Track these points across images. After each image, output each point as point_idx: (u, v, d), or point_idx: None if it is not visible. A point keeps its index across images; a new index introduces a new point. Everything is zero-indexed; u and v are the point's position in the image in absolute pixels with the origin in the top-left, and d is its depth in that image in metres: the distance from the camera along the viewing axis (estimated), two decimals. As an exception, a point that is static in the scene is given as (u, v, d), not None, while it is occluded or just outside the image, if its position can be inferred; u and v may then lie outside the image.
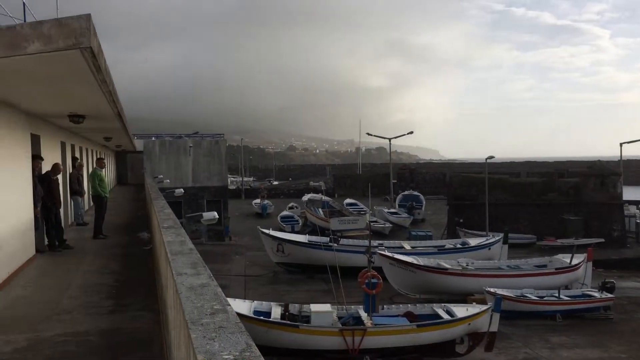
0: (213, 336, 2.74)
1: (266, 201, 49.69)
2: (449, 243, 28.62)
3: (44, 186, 10.99)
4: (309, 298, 20.17)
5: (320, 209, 40.97)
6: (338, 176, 75.50)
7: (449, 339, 15.02)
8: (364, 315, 15.31)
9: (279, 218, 41.41)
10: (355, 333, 14.10)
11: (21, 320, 6.42)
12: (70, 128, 15.18)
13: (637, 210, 41.51)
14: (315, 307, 15.37)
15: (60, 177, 12.51)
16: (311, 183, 74.67)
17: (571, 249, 23.46)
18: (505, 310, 16.75)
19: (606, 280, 21.37)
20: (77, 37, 5.01)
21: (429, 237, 32.70)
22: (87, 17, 5.06)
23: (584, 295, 20.25)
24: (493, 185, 35.35)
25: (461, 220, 36.29)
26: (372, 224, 37.18)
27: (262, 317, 14.72)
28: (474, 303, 17.15)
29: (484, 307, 15.53)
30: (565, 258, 23.12)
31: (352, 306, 16.25)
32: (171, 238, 6.25)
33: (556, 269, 22.29)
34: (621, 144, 43.47)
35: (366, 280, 15.25)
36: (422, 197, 49.18)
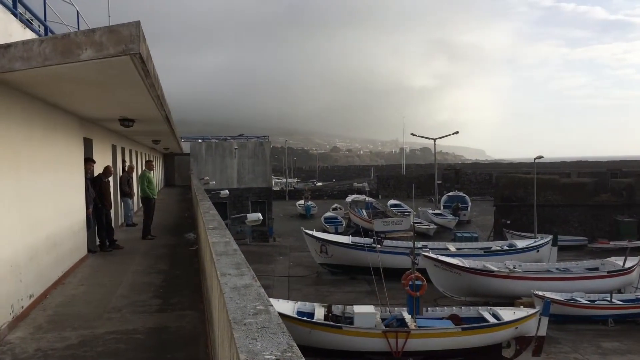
0: (255, 336, 2.77)
1: (310, 202, 49.87)
2: (495, 245, 28.07)
3: (95, 188, 11.40)
4: (352, 299, 20.18)
5: (363, 210, 40.89)
6: (382, 177, 75.05)
7: (495, 342, 14.75)
8: (407, 317, 15.21)
9: (322, 219, 41.55)
10: (399, 335, 14.02)
11: (74, 317, 6.69)
12: (120, 131, 15.67)
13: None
14: (358, 309, 15.36)
15: (111, 179, 12.93)
16: (355, 184, 74.62)
17: (624, 252, 22.65)
18: (554, 314, 16.34)
19: (662, 284, 20.52)
20: (127, 44, 5.17)
21: (475, 239, 32.16)
22: (137, 24, 5.23)
23: (638, 300, 19.50)
24: (542, 186, 34.47)
25: (508, 222, 35.54)
26: (416, 225, 36.93)
27: (305, 318, 14.82)
28: (522, 306, 16.76)
29: (532, 311, 15.17)
30: (618, 261, 22.35)
31: (396, 308, 16.16)
32: (216, 239, 6.36)
33: (608, 272, 21.55)
34: (679, 142, 41.54)
35: (410, 282, 15.16)
36: (467, 198, 48.42)
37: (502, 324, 14.74)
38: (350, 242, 26.52)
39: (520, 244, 27.12)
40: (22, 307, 6.69)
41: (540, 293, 18.58)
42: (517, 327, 14.71)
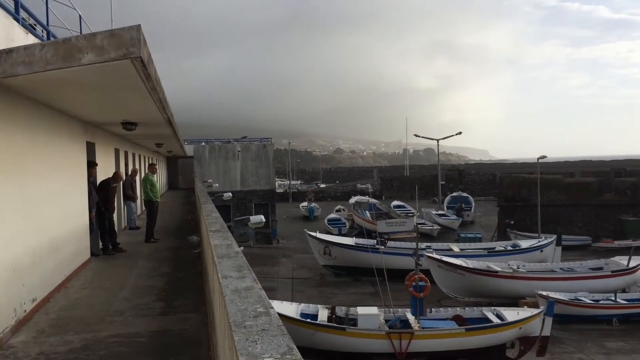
0: (255, 339, 2.78)
1: (313, 204, 49.88)
2: (499, 245, 28.03)
3: (102, 192, 11.45)
4: (356, 301, 20.17)
5: (367, 212, 40.87)
6: (385, 178, 74.99)
7: (499, 343, 14.73)
8: (411, 318, 15.20)
9: (326, 221, 41.56)
10: (403, 336, 14.02)
11: (77, 321, 6.71)
12: (123, 135, 15.73)
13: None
14: (362, 310, 15.36)
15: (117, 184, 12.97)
16: (358, 185, 74.60)
17: (629, 251, 22.58)
18: (558, 314, 16.30)
19: (667, 283, 20.46)
20: (128, 48, 5.20)
21: (479, 239, 32.13)
22: (137, 28, 5.25)
23: (643, 299, 19.45)
24: (545, 186, 34.40)
25: (512, 222, 35.49)
26: (419, 226, 36.99)
27: (309, 320, 14.83)
28: (525, 307, 16.73)
29: (536, 311, 15.14)
30: (622, 260, 22.28)
31: (400, 309, 16.16)
32: (218, 241, 6.38)
33: (613, 271, 21.50)
34: (683, 141, 41.44)
35: (414, 283, 15.15)
36: (471, 198, 48.37)
37: (506, 325, 14.71)
38: (353, 244, 26.52)
39: (524, 244, 27.07)
40: (25, 311, 6.72)
41: (544, 293, 18.55)
42: (521, 328, 14.68)
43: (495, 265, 22.29)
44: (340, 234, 35.76)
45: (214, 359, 5.22)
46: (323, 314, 15.55)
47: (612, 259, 23.41)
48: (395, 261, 23.24)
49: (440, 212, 43.64)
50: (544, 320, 14.64)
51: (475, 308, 16.47)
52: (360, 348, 14.27)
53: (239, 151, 36.26)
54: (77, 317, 6.91)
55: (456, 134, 53.95)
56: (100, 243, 11.79)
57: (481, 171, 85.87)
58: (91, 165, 11.16)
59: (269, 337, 2.77)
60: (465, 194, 49.68)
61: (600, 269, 22.47)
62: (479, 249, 27.12)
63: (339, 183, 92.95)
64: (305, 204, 51.36)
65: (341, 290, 23.39)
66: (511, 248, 26.76)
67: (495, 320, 15.14)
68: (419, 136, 58.43)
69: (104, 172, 12.52)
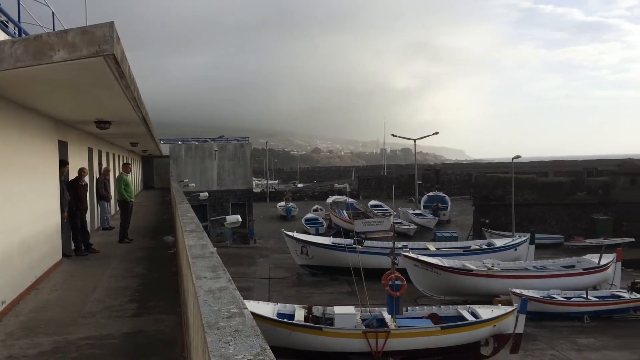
0: (228, 340, 2.76)
1: (291, 204, 49.83)
2: (474, 244, 28.35)
3: (72, 191, 11.24)
4: (333, 300, 20.21)
5: (344, 211, 40.96)
6: (363, 178, 75.22)
7: (473, 340, 14.89)
8: (387, 317, 15.28)
9: (303, 220, 41.55)
10: (379, 335, 14.08)
11: (47, 323, 6.59)
12: (97, 134, 15.49)
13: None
14: (338, 310, 15.39)
15: (87, 180, 12.76)
16: (336, 185, 74.75)
17: (600, 249, 23.05)
18: (532, 312, 16.55)
19: (636, 280, 20.95)
20: (101, 45, 5.12)
21: (455, 238, 32.45)
22: (110, 25, 5.18)
23: (613, 296, 19.87)
24: (520, 185, 34.91)
25: (487, 221, 35.93)
26: (396, 225, 37.19)
27: (285, 320, 14.79)
28: (500, 304, 16.96)
29: (510, 309, 15.36)
30: (593, 258, 22.73)
31: (376, 308, 16.22)
32: (193, 242, 6.33)
33: (584, 269, 21.92)
34: (652, 142, 42.46)
35: (390, 282, 15.23)
36: (447, 198, 48.81)
37: (480, 322, 14.88)
38: (330, 243, 26.56)
39: (499, 242, 27.42)
40: (-6, 313, 6.58)
41: (517, 291, 18.82)
42: (495, 325, 14.87)
43: (470, 263, 22.54)
44: (317, 234, 35.78)
45: (188, 360, 5.18)
46: (300, 314, 15.54)
47: (583, 257, 23.85)
48: (372, 260, 23.32)
49: (417, 211, 43.96)
50: (517, 317, 14.85)
51: (450, 306, 16.63)
52: (337, 347, 14.30)
53: (215, 151, 36.02)
54: (48, 319, 6.79)
55: (433, 134, 54.47)
56: (73, 244, 11.59)
57: (457, 171, 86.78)
58: (63, 164, 10.96)
59: (242, 338, 2.76)
60: (441, 194, 50.10)
61: (572, 267, 22.88)
62: (454, 247, 27.40)
63: (317, 183, 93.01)
64: (282, 203, 51.26)
65: (318, 290, 23.41)
66: (486, 247, 27.09)
67: (470, 318, 15.30)
68: (396, 136, 58.84)
69: (76, 171, 12.31)
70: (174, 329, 6.40)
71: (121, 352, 5.62)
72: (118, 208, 16.03)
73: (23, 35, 8.97)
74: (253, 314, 14.43)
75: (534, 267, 23.32)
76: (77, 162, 12.89)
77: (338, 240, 26.68)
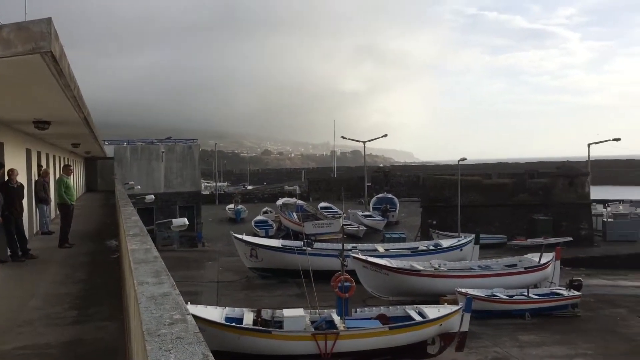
0: (169, 347, 2.70)
1: (240, 206, 49.46)
2: (422, 245, 28.86)
3: (2, 194, 10.72)
4: (282, 303, 20.13)
5: (294, 213, 40.92)
6: (313, 180, 75.43)
7: (421, 340, 15.13)
8: (336, 318, 15.34)
9: (252, 223, 41.27)
10: (328, 337, 14.11)
11: (-20, 333, 6.28)
12: (36, 135, 14.90)
13: (604, 210, 42.52)
14: (287, 312, 15.33)
15: (25, 185, 12.25)
16: (286, 187, 74.69)
17: (540, 248, 23.89)
18: (476, 310, 16.96)
19: (574, 278, 21.80)
20: (37, 42, 4.93)
21: (403, 239, 32.95)
22: (48, 21, 4.99)
23: (552, 294, 20.64)
24: (465, 187, 35.79)
25: (434, 222, 36.65)
26: (346, 227, 37.46)
27: (234, 324, 14.62)
28: (446, 304, 17.32)
29: (455, 308, 15.70)
30: (534, 257, 23.52)
31: (325, 310, 16.25)
32: (136, 246, 6.18)
33: (525, 268, 22.67)
34: (589, 145, 44.48)
35: (339, 284, 15.30)
36: (396, 199, 49.51)
37: (427, 322, 15.15)
38: (280, 246, 26.47)
39: (445, 243, 28.01)
40: None
41: (463, 290, 19.26)
42: (441, 324, 15.17)
43: (418, 264, 22.92)
44: (267, 236, 35.58)
45: (130, 368, 5.03)
46: (248, 318, 15.39)
47: (525, 256, 24.66)
48: (321, 262, 23.38)
49: (367, 213, 44.41)
50: (462, 316, 15.20)
51: (398, 307, 16.85)
52: (286, 350, 14.24)
53: (162, 152, 35.29)
54: (-20, 330, 6.46)
55: (382, 137, 55.29)
56: (8, 249, 11.07)
57: (406, 173, 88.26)
58: (-2, 166, 10.47)
59: (184, 345, 2.71)
60: (390, 195, 50.78)
61: (515, 266, 23.62)
62: (402, 249, 27.82)
63: (267, 185, 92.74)
64: (231, 206, 50.78)
65: (267, 293, 23.29)
66: (433, 247, 27.64)
67: (418, 318, 15.55)
68: (346, 138, 59.36)
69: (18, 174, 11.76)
70: (116, 336, 6.21)
71: (59, 362, 5.41)
72: (58, 212, 15.43)
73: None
74: (201, 318, 14.17)
75: (479, 266, 23.95)
76: (14, 164, 12.33)
77: (288, 243, 26.62)
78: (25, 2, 14.70)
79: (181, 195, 35.60)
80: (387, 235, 34.47)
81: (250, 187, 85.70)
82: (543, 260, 22.80)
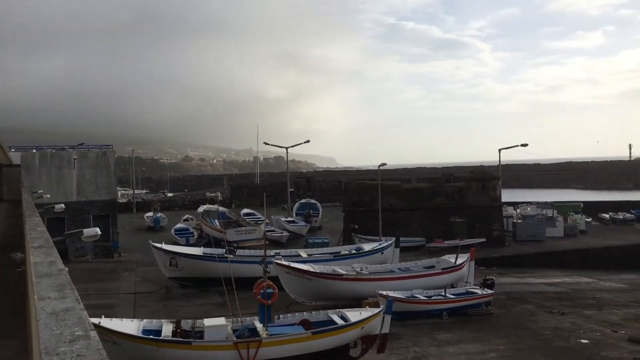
0: (69, 366, 2.54)
1: (159, 214, 48.21)
2: (344, 249, 29.21)
3: None
4: (203, 312, 19.69)
5: (216, 220, 40.23)
6: (235, 186, 74.66)
7: (343, 343, 15.27)
8: (259, 326, 15.18)
9: (172, 231, 40.21)
10: (250, 345, 13.92)
11: None
12: None
13: (514, 212, 44.98)
14: (208, 322, 15.00)
15: None
16: (207, 194, 73.55)
17: (456, 250, 24.84)
18: (397, 312, 17.37)
19: (487, 277, 22.85)
20: None
21: (326, 244, 33.19)
22: None
23: (467, 293, 21.51)
24: (386, 192, 36.64)
25: (356, 226, 37.22)
26: (269, 233, 37.26)
27: (151, 336, 14.11)
28: (367, 307, 17.59)
29: (376, 310, 15.97)
30: (450, 258, 24.42)
31: (248, 318, 16.05)
32: (40, 259, 5.82)
33: (443, 269, 23.49)
34: (500, 150, 46.89)
35: (262, 291, 15.16)
36: (318, 204, 49.86)
37: (349, 325, 15.31)
38: (201, 254, 25.91)
39: (367, 247, 28.52)
40: None
41: (384, 293, 19.66)
42: (363, 327, 15.37)
43: (340, 268, 23.17)
44: (188, 244, 34.78)
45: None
46: (167, 329, 14.91)
47: (442, 257, 25.57)
48: (244, 269, 23.09)
49: (290, 218, 44.42)
50: (383, 318, 15.48)
51: (321, 311, 16.93)
52: (207, 361, 13.90)
53: (75, 159, 33.62)
54: None
55: (304, 142, 55.68)
56: None
57: (328, 178, 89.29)
58: None
59: (85, 364, 2.56)
60: (313, 201, 51.11)
61: (433, 267, 24.42)
62: (325, 253, 28.03)
63: (188, 192, 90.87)
64: (150, 214, 49.32)
65: (188, 303, 22.70)
66: (355, 251, 28.05)
67: (340, 321, 15.68)
68: (268, 144, 59.22)
69: None
70: (17, 356, 5.77)
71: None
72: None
73: None
74: (116, 332, 13.52)
75: (399, 269, 24.55)
76: None
77: (209, 250, 26.11)
78: None
79: (95, 204, 34.08)
80: (310, 241, 34.63)
81: (170, 195, 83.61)
82: (459, 261, 23.72)
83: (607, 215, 49.89)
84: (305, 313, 16.91)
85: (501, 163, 47.12)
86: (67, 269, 5.29)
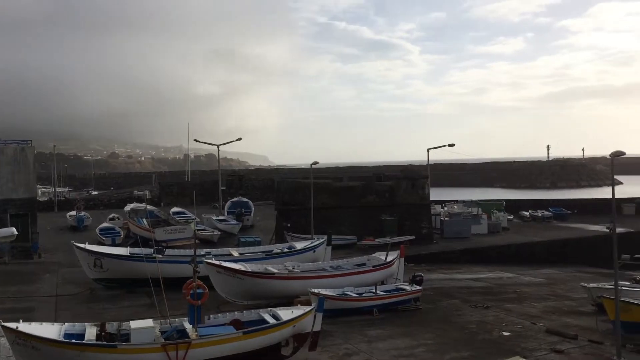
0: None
1: (83, 213, 46.42)
2: (276, 248, 29.08)
3: None
4: (130, 315, 19.04)
5: (144, 219, 39.07)
6: (165, 184, 72.86)
7: (275, 342, 15.13)
8: (188, 327, 14.80)
9: (97, 230, 38.73)
10: (179, 347, 13.53)
11: None
12: None
13: (442, 210, 46.47)
14: (135, 324, 14.45)
15: None
16: (135, 192, 71.49)
17: (387, 247, 25.30)
18: (329, 309, 17.45)
19: (416, 274, 23.41)
20: None
21: (258, 243, 32.96)
22: None
23: (397, 289, 21.94)
24: (318, 190, 36.80)
25: (289, 225, 37.20)
26: (199, 232, 36.59)
27: (74, 340, 13.44)
28: (299, 305, 17.55)
29: (308, 308, 15.95)
30: (381, 256, 24.81)
31: (177, 319, 15.62)
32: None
33: (373, 266, 23.82)
34: (428, 150, 48.32)
35: (191, 291, 14.79)
36: (251, 203, 49.58)
37: (280, 324, 15.18)
38: (128, 254, 25.03)
39: (299, 245, 28.48)
40: None
41: (316, 291, 19.71)
42: (294, 326, 15.28)
43: (272, 267, 23.02)
44: (114, 244, 33.56)
45: None
46: (91, 332, 14.23)
47: (373, 255, 25.92)
48: (173, 269, 22.55)
49: (221, 217, 43.87)
50: (315, 316, 15.49)
51: (252, 311, 16.73)
52: (134, 364, 13.39)
53: (-11, 155, 31.61)
54: None
55: (236, 140, 55.10)
56: None
57: (261, 176, 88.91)
58: None
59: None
60: (245, 199, 50.75)
61: (364, 264, 24.71)
62: (257, 252, 27.77)
63: (114, 190, 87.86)
64: (73, 213, 47.36)
65: (113, 305, 21.85)
66: (287, 250, 27.96)
67: (272, 320, 15.54)
68: (199, 141, 58.13)
69: None
70: None
71: None
72: None
73: None
74: (35, 337, 12.82)
75: (331, 267, 24.67)
76: None
77: (136, 251, 25.27)
78: None
79: (13, 202, 32.23)
80: (242, 239, 34.32)
81: (95, 193, 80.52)
82: (389, 258, 24.13)
83: (527, 213, 52.57)
84: (236, 313, 16.65)
85: (430, 162, 48.59)
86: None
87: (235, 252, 27.20)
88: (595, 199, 64.27)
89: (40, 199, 60.45)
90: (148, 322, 14.69)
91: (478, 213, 44.27)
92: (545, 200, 60.50)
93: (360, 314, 19.93)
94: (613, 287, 16.09)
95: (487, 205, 48.12)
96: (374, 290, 21.33)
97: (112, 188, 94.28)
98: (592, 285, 22.62)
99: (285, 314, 15.72)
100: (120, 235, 37.88)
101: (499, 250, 37.19)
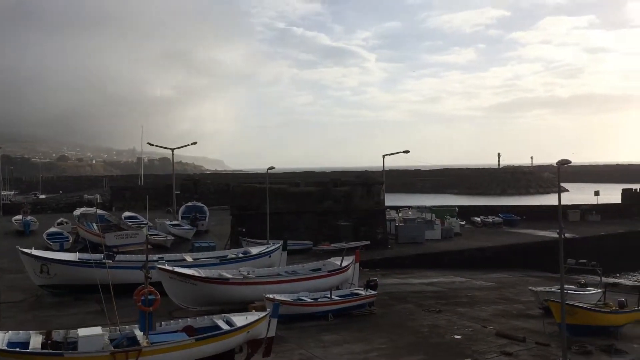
0: None
1: (29, 217, 44.81)
2: (231, 253, 28.77)
3: None
4: (78, 322, 18.44)
5: (94, 224, 38.02)
6: (116, 188, 71.17)
7: (228, 349, 14.93)
8: (139, 334, 14.43)
9: (45, 235, 37.41)
10: (129, 355, 13.17)
11: None
12: None
13: (397, 215, 47.10)
14: (83, 332, 14.02)
15: None
16: (85, 196, 69.63)
17: (342, 252, 25.42)
18: (284, 315, 17.36)
19: (370, 278, 23.61)
20: None
21: (212, 248, 32.58)
22: None
23: (352, 294, 22.05)
24: (274, 195, 36.69)
25: (244, 230, 36.91)
26: (152, 237, 35.84)
27: (17, 349, 12.91)
28: (254, 311, 17.40)
29: (263, 314, 15.83)
30: (336, 261, 24.90)
31: (127, 326, 15.21)
32: None
33: (329, 271, 23.88)
34: (384, 156, 48.88)
35: (142, 297, 14.45)
36: (205, 208, 48.93)
37: (234, 330, 14.99)
38: (76, 259, 24.26)
39: (254, 250, 28.28)
40: None
41: (270, 296, 19.59)
42: (249, 332, 15.12)
43: (226, 272, 22.76)
44: (62, 250, 32.52)
45: None
46: (36, 340, 13.69)
47: (328, 260, 25.97)
48: (124, 275, 21.96)
49: (175, 222, 43.14)
50: (270, 322, 15.38)
51: (206, 317, 16.46)
52: (81, 373, 12.95)
53: None
54: None
55: (191, 144, 54.31)
56: None
57: (216, 181, 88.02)
58: None
59: None
60: (200, 204, 50.05)
61: (319, 270, 24.74)
62: (211, 257, 27.40)
63: (63, 194, 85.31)
64: (19, 217, 45.65)
65: (61, 312, 21.13)
66: (242, 255, 27.71)
67: (225, 327, 15.32)
68: (153, 145, 57.06)
69: None
70: None
71: None
72: None
73: None
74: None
75: (286, 272, 24.59)
76: None
77: (85, 256, 24.53)
78: None
79: (-47, 206, 30.75)
80: (197, 245, 33.84)
81: (42, 196, 77.93)
82: (344, 264, 24.25)
83: (478, 219, 53.88)
84: (189, 319, 16.36)
85: (385, 168, 49.18)
86: None
87: (189, 258, 26.77)
88: (543, 205, 66.44)
89: (-16, 203, 58.10)
90: (96, 330, 14.28)
91: (432, 219, 45.06)
92: (496, 207, 62.21)
93: (316, 319, 19.92)
94: (559, 290, 16.65)
95: (440, 211, 49.04)
96: (329, 295, 21.37)
97: (60, 192, 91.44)
98: (539, 289, 23.38)
99: (239, 320, 15.55)
100: (68, 240, 36.74)
101: (451, 255, 37.96)
